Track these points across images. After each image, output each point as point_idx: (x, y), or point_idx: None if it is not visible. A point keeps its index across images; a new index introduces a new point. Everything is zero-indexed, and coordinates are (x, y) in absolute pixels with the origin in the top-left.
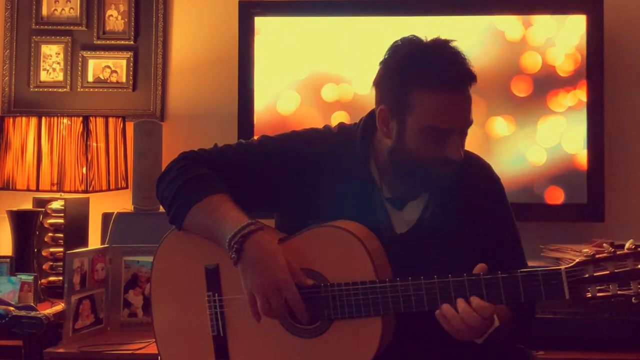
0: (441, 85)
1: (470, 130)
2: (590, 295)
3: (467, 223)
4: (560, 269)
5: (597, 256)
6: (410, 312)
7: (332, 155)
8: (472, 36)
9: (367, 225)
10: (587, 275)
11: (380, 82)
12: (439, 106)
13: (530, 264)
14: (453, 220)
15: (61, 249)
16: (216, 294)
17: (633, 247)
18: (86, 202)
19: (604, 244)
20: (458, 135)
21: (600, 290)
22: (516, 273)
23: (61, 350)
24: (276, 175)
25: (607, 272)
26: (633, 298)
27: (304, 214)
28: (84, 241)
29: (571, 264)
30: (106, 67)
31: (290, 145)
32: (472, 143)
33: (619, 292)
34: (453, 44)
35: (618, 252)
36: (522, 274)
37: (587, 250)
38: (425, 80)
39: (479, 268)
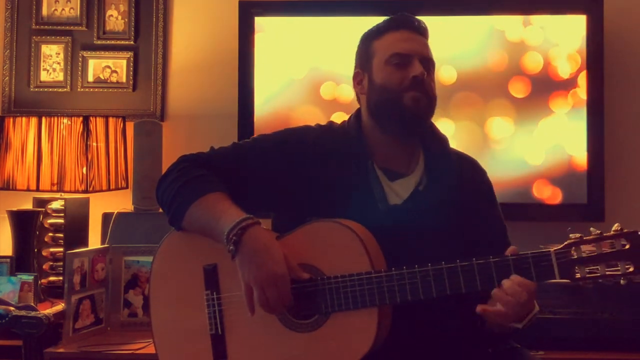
0: (395, 27)
1: (470, 130)
2: (579, 276)
3: (458, 203)
4: (549, 250)
5: (585, 238)
6: (408, 305)
7: (325, 144)
8: (472, 36)
9: (363, 197)
10: (576, 257)
11: (355, 59)
12: (396, 39)
13: None
14: (445, 198)
15: (61, 249)
16: (214, 293)
17: (619, 229)
18: (86, 202)
19: (591, 228)
20: (419, 60)
21: (589, 272)
22: (507, 257)
23: (61, 350)
24: (272, 169)
25: (595, 253)
26: (621, 278)
27: (301, 205)
28: (84, 241)
29: (560, 246)
30: (106, 67)
31: (283, 140)
32: (472, 143)
33: (607, 273)
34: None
35: (605, 234)
36: (513, 257)
37: (575, 234)
38: (380, 29)
39: (511, 250)
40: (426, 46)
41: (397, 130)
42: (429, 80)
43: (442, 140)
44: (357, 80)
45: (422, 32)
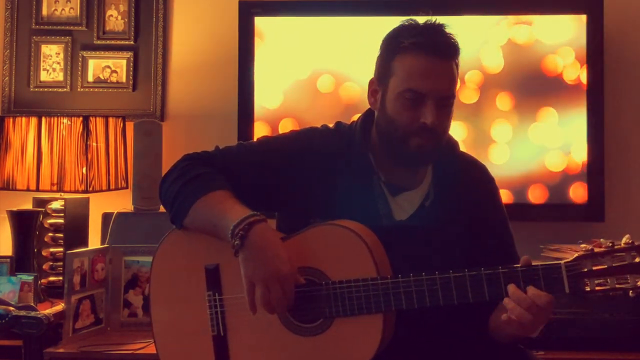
0: (419, 49)
1: (469, 131)
2: (589, 289)
3: (465, 217)
4: (560, 263)
5: (595, 251)
6: (412, 309)
7: (330, 149)
8: (472, 36)
9: (368, 212)
10: (586, 270)
11: (376, 63)
12: (416, 69)
13: None
14: (452, 213)
15: (61, 249)
16: (216, 294)
17: (630, 242)
18: (86, 202)
19: (601, 240)
20: (434, 102)
21: (599, 284)
22: (516, 268)
23: (61, 350)
24: (276, 173)
25: (605, 266)
26: (630, 291)
27: (304, 209)
28: (84, 241)
29: (570, 259)
30: (106, 67)
31: (289, 144)
32: (472, 144)
33: (617, 286)
34: (444, 26)
35: (615, 247)
36: (522, 269)
37: (586, 246)
38: (406, 47)
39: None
40: (448, 77)
41: (398, 162)
42: (443, 119)
43: (451, 145)
44: (372, 89)
45: (451, 55)
